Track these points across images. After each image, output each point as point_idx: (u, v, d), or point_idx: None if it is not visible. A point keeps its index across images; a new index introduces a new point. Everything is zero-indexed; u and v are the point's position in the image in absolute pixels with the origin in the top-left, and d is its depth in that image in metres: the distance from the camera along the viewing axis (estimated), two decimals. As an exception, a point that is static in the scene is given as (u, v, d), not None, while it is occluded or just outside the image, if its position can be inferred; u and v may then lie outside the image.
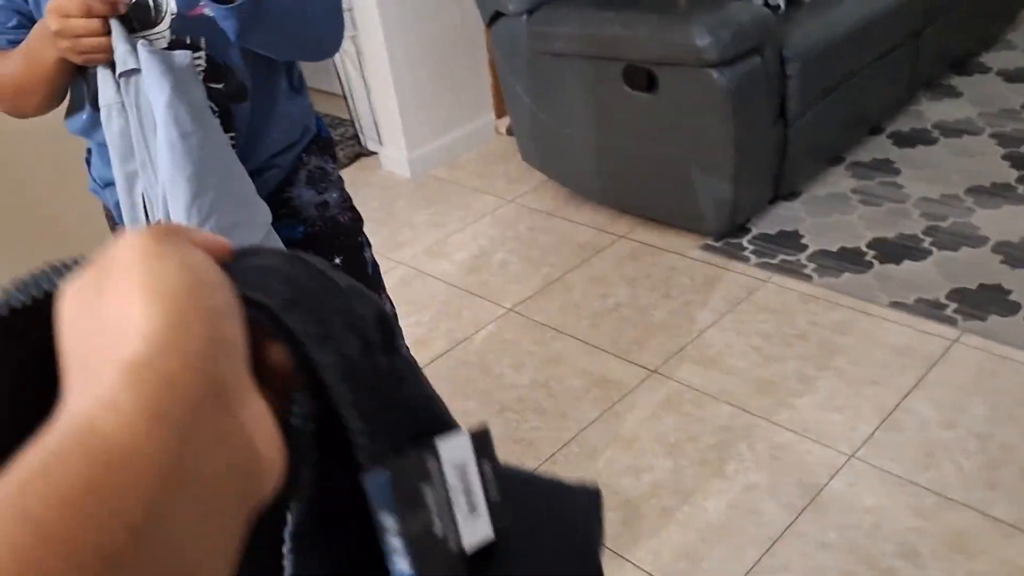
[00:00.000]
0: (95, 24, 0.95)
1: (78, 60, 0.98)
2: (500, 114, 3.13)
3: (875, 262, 2.10)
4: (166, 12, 1.03)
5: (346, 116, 3.19)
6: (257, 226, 1.08)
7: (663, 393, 1.82)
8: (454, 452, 0.31)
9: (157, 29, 1.03)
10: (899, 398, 1.73)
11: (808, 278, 2.08)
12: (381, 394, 0.30)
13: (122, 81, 0.99)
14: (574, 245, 2.40)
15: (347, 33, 2.90)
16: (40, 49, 0.99)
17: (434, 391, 0.34)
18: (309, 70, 3.77)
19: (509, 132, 3.07)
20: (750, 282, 2.12)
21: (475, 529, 0.31)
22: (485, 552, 0.32)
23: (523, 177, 2.81)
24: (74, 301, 0.27)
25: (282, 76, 1.15)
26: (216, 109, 1.09)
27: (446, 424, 0.33)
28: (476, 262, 2.42)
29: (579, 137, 2.39)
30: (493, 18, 2.43)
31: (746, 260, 2.18)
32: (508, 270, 2.35)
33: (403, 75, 2.82)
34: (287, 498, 0.28)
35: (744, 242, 2.25)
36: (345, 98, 3.06)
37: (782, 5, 2.34)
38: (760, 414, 1.73)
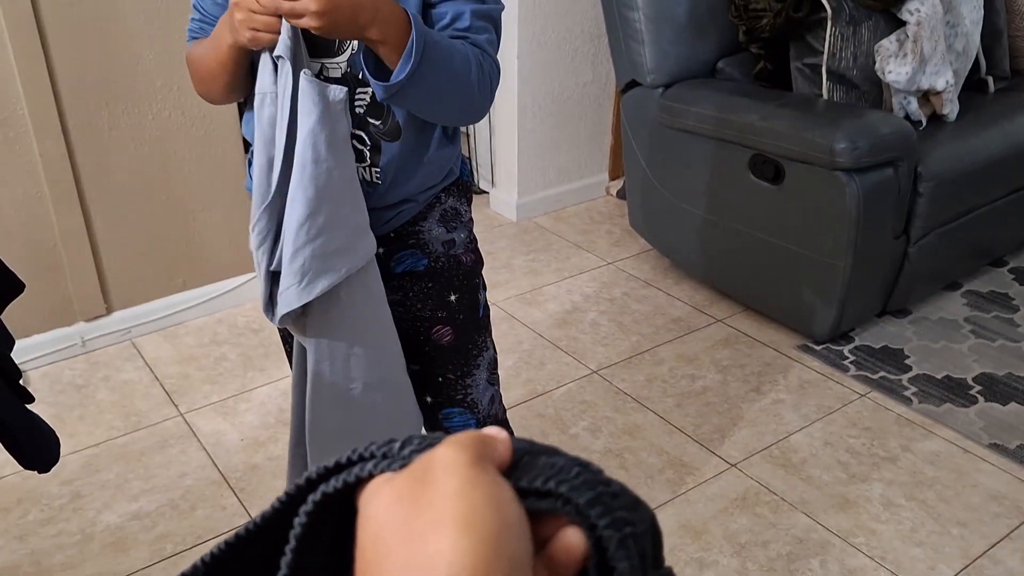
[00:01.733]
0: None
1: (246, 36, 0.99)
2: (614, 176, 3.15)
3: (980, 398, 2.02)
4: (348, 46, 1.08)
5: (464, 153, 3.26)
6: (360, 255, 1.10)
7: (739, 490, 1.77)
8: None
9: (336, 59, 1.08)
10: (987, 546, 1.65)
11: (908, 401, 2.02)
12: None
13: (279, 64, 1.01)
14: (668, 319, 2.39)
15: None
16: (221, 33, 1.04)
17: None
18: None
19: (620, 195, 3.08)
20: (846, 393, 2.06)
21: None
22: None
23: (626, 242, 2.82)
24: (386, 508, 0.29)
25: (438, 125, 1.18)
26: (368, 143, 1.13)
27: None
28: (567, 317, 2.42)
29: (692, 214, 2.38)
30: (628, 86, 2.46)
31: (845, 370, 2.13)
32: (598, 331, 2.34)
33: (528, 123, 2.87)
34: None
35: (845, 351, 2.19)
36: (467, 136, 3.13)
37: (924, 121, 2.31)
38: (837, 532, 1.67)
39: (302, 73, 1.00)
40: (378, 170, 1.14)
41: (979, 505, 1.74)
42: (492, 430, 0.32)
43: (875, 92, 2.28)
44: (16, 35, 1.91)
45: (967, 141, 2.27)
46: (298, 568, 0.32)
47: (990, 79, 2.60)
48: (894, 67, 2.21)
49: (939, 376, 2.10)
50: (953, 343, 2.23)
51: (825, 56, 2.23)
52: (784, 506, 1.73)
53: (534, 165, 2.97)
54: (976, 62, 2.53)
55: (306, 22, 0.95)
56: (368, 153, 1.13)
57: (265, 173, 1.07)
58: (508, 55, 2.76)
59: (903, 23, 2.22)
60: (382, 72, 1.02)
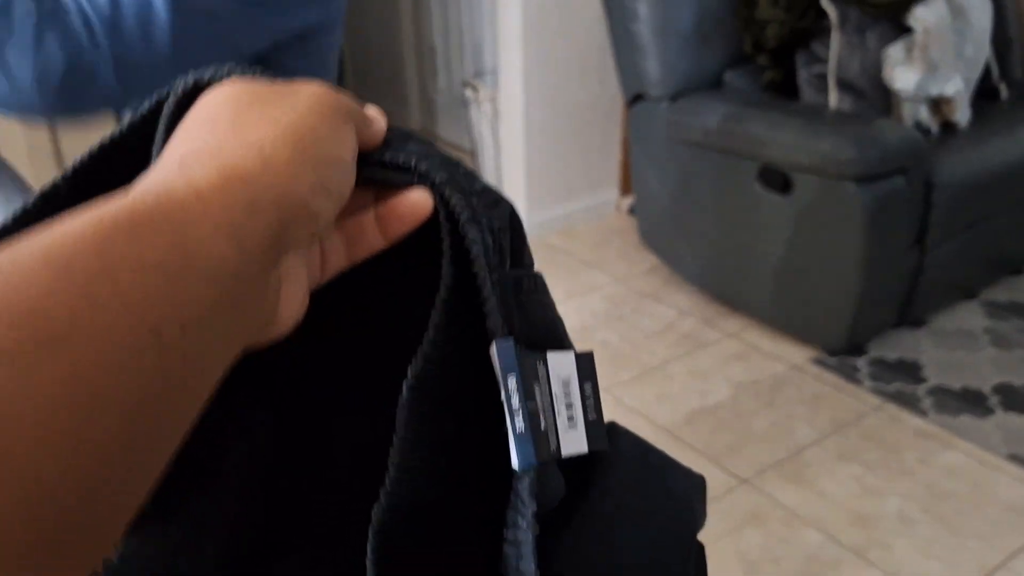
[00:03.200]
0: None
1: None
2: (625, 192, 3.14)
3: (998, 409, 1.97)
4: None
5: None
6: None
7: (750, 506, 1.74)
8: (561, 365, 0.33)
9: None
10: (1004, 558, 1.60)
11: (923, 413, 1.97)
12: (506, 297, 0.32)
13: None
14: (680, 335, 2.36)
15: (487, 95, 2.99)
16: None
17: (556, 312, 0.37)
18: (443, 123, 3.89)
19: (631, 211, 3.07)
20: (860, 406, 2.02)
21: (572, 440, 0.33)
22: (583, 479, 0.34)
23: (637, 258, 2.79)
24: (236, 94, 0.30)
25: None
26: None
27: (561, 343, 0.36)
28: (577, 336, 2.40)
29: (702, 228, 2.36)
30: (634, 99, 2.45)
31: (859, 383, 2.08)
32: (608, 349, 2.32)
33: (535, 141, 2.87)
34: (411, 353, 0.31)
35: (860, 363, 2.15)
36: (473, 155, 3.13)
37: (934, 130, 2.28)
38: (851, 548, 1.63)
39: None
40: None
41: (997, 517, 1.69)
42: (373, 111, 0.33)
43: (884, 100, 2.25)
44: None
45: (981, 148, 2.23)
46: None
47: (1002, 85, 2.56)
48: (902, 74, 2.18)
49: (956, 387, 2.06)
50: (971, 353, 2.18)
51: (832, 64, 2.21)
52: (796, 522, 1.69)
53: (542, 183, 2.96)
54: (987, 68, 2.50)
55: None
56: None
57: None
58: (514, 71, 2.76)
59: (910, 30, 2.19)
60: None
